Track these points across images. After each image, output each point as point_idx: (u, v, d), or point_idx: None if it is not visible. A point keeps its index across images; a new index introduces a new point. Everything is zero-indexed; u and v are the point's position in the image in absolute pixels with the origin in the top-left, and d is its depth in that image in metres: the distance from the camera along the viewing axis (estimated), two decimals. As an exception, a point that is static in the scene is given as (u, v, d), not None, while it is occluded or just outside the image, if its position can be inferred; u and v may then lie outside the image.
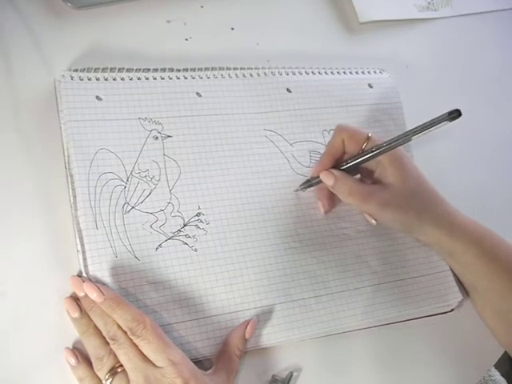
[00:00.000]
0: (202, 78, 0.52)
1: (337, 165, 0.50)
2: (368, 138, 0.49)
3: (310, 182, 0.51)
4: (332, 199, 0.51)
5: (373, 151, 0.48)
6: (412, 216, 0.49)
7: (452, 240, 0.49)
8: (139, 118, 0.48)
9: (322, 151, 0.53)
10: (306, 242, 0.50)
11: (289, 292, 0.48)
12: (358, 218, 0.53)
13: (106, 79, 0.48)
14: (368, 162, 0.49)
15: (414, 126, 0.45)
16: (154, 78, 0.50)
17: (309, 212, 0.51)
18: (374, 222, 0.51)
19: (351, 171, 0.50)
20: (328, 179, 0.49)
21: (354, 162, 0.49)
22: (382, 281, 0.51)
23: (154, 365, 0.39)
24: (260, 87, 0.54)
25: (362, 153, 0.49)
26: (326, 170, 0.49)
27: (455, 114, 0.41)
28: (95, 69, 0.49)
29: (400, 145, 0.46)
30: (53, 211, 0.45)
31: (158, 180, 0.47)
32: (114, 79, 0.49)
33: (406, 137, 0.45)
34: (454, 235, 0.49)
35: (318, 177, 0.50)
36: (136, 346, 0.40)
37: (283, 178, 0.52)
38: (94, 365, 0.41)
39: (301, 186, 0.51)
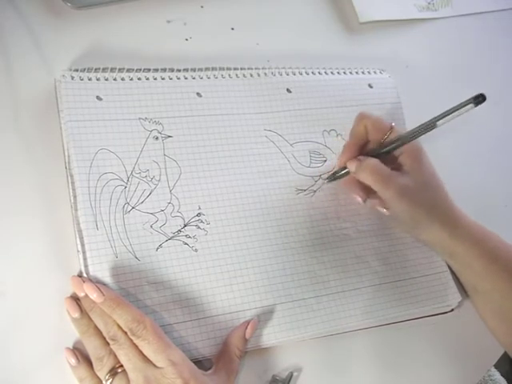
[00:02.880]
0: (202, 78, 0.52)
1: (362, 153, 0.50)
2: (392, 128, 0.49)
3: (336, 175, 0.51)
4: (364, 187, 0.50)
5: (401, 139, 0.48)
6: (423, 212, 0.49)
7: (454, 241, 0.49)
8: (139, 118, 0.48)
9: (323, 151, 0.54)
10: (306, 243, 0.50)
11: (289, 292, 0.48)
12: (358, 218, 0.53)
13: (106, 79, 0.48)
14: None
15: (439, 113, 0.45)
16: (154, 78, 0.50)
17: (309, 212, 0.51)
18: (385, 211, 0.50)
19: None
20: (352, 165, 0.49)
21: (384, 151, 0.49)
22: (383, 281, 0.51)
23: (154, 365, 0.39)
24: (260, 87, 0.54)
25: (390, 141, 0.49)
26: (353, 158, 0.50)
27: (480, 99, 0.41)
28: (95, 69, 0.49)
29: (426, 132, 0.46)
30: (53, 211, 0.45)
31: (159, 180, 0.47)
32: (115, 79, 0.49)
33: (432, 123, 0.45)
34: (456, 236, 0.49)
35: (345, 168, 0.50)
36: (136, 346, 0.40)
37: (283, 178, 0.52)
38: (94, 365, 0.41)
39: (326, 179, 0.52)
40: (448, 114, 0.44)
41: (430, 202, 0.49)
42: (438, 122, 0.45)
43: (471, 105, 0.42)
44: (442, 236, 0.49)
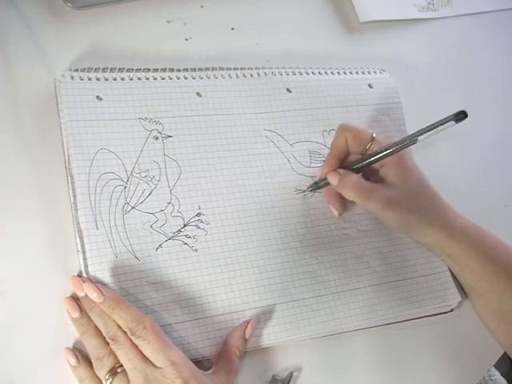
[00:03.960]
0: (202, 78, 0.52)
1: (342, 165, 0.50)
2: (372, 139, 0.49)
3: (318, 185, 0.51)
4: (343, 201, 0.51)
5: (380, 153, 0.48)
6: (413, 217, 0.49)
7: (451, 242, 0.49)
8: (139, 118, 0.48)
9: (323, 151, 0.54)
10: (306, 242, 0.50)
11: (289, 292, 0.48)
12: (358, 218, 0.53)
13: (106, 79, 0.48)
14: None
15: (420, 128, 0.45)
16: (154, 78, 0.50)
17: (309, 212, 0.51)
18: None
19: (355, 171, 0.50)
20: (333, 179, 0.49)
21: (362, 165, 0.49)
22: (383, 281, 0.51)
23: (154, 365, 0.39)
24: (260, 87, 0.54)
25: (369, 155, 0.49)
26: (333, 170, 0.50)
27: (461, 116, 0.41)
28: (95, 69, 0.49)
29: (406, 146, 0.46)
30: (53, 211, 0.45)
31: (159, 180, 0.47)
32: (115, 79, 0.49)
33: (413, 139, 0.45)
34: (453, 238, 0.49)
35: (325, 179, 0.50)
36: (136, 346, 0.40)
37: (283, 178, 0.52)
38: (94, 365, 0.41)
39: (308, 188, 0.52)
40: (429, 130, 0.44)
41: (420, 207, 0.49)
42: (419, 138, 0.45)
43: (452, 122, 0.42)
44: (439, 238, 0.49)
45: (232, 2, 0.59)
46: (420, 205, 0.49)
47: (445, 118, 0.42)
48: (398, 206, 0.48)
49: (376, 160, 0.48)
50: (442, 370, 0.51)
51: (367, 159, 0.49)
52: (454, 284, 0.53)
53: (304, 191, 0.52)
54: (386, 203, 0.48)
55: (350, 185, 0.48)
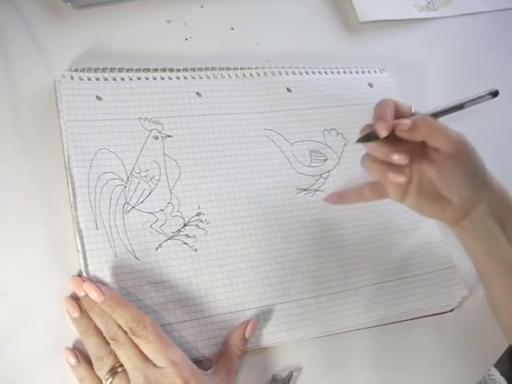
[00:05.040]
0: (201, 78, 0.52)
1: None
2: (412, 114, 0.48)
3: (370, 136, 0.47)
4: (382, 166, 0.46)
5: (442, 110, 0.48)
6: (483, 169, 0.49)
7: (503, 205, 0.47)
8: (139, 118, 0.48)
9: (323, 150, 0.54)
10: (306, 242, 0.50)
11: (289, 292, 0.48)
12: (358, 217, 0.53)
13: (106, 79, 0.48)
14: None
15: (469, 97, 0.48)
16: (154, 78, 0.50)
17: (309, 212, 0.51)
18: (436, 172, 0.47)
19: None
20: (405, 122, 0.45)
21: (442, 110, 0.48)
22: (384, 280, 0.51)
23: (155, 365, 0.39)
24: (260, 87, 0.54)
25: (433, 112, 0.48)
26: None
27: (495, 92, 0.48)
28: (95, 69, 0.49)
29: (456, 111, 0.48)
30: (53, 211, 0.45)
31: (158, 180, 0.47)
32: (114, 79, 0.49)
33: (461, 105, 0.48)
34: (505, 200, 0.48)
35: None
36: (136, 345, 0.40)
37: (284, 177, 0.52)
38: (94, 365, 0.41)
39: (357, 141, 0.47)
40: (473, 100, 0.48)
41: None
42: (465, 105, 0.48)
43: (489, 96, 0.48)
44: (494, 197, 0.47)
45: (232, 2, 0.59)
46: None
47: (484, 93, 0.48)
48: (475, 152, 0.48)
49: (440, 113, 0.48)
50: (442, 370, 0.51)
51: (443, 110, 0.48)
52: (459, 280, 0.52)
53: (358, 141, 0.47)
54: (466, 141, 0.47)
55: (427, 122, 0.45)
